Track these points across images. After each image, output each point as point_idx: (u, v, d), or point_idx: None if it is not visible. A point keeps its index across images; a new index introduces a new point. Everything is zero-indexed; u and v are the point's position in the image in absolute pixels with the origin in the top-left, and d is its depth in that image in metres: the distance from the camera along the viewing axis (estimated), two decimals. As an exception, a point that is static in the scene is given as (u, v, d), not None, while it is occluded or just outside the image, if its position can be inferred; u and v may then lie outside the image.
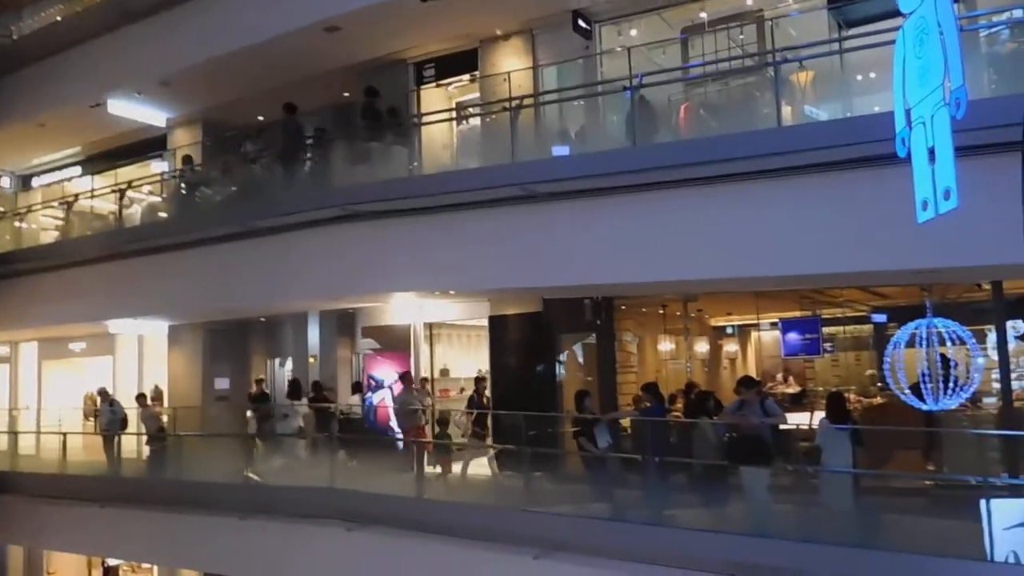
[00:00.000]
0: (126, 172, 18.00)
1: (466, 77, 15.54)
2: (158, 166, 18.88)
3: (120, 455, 15.38)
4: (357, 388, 15.60)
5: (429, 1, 12.59)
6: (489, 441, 12.30)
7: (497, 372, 14.40)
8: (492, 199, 10.92)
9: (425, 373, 15.92)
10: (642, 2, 13.39)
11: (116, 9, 16.45)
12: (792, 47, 10.33)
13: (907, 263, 8.43)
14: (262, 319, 18.22)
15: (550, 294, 13.37)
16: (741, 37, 13.03)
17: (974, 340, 9.34)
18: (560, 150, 11.14)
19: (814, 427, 9.88)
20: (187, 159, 16.27)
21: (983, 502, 7.20)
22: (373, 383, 15.83)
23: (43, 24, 18.26)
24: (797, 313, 14.94)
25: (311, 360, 17.53)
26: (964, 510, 7.55)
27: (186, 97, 17.14)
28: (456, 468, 12.65)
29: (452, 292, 13.40)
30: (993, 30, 8.86)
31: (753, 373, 16.92)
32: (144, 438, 15.57)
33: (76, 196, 17.52)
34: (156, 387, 18.30)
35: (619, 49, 13.33)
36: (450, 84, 15.85)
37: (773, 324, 16.64)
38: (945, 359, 9.41)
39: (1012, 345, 10.79)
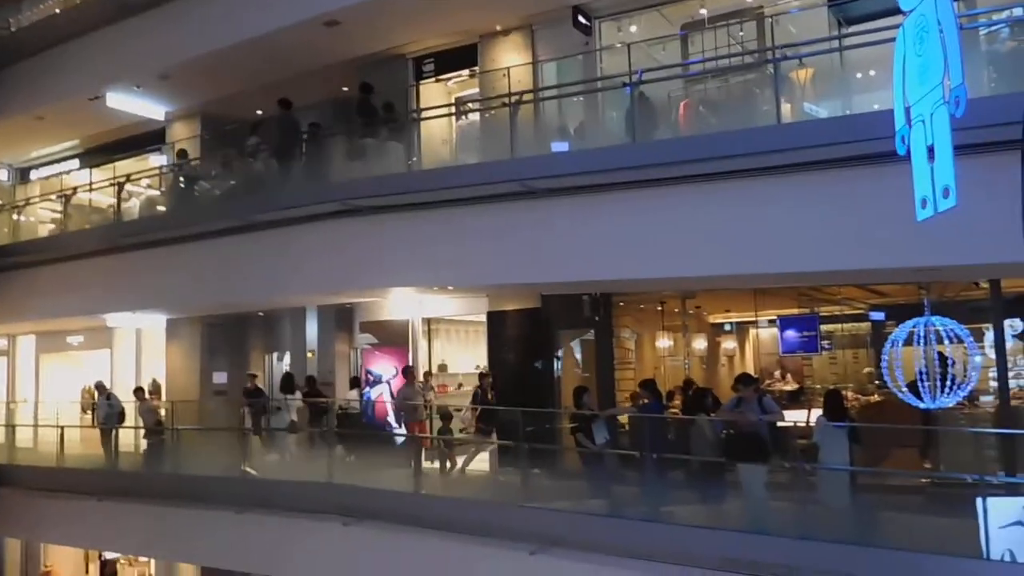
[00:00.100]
0: (124, 165, 17.98)
1: (465, 72, 15.53)
2: (157, 160, 18.86)
3: (117, 449, 15.37)
4: (355, 383, 15.60)
5: None
6: (494, 437, 12.25)
7: (495, 368, 14.40)
8: (491, 195, 10.92)
9: (433, 369, 15.92)
10: (642, -2, 13.40)
11: (115, 2, 16.40)
12: (792, 44, 10.32)
13: (906, 261, 8.44)
14: (260, 314, 18.21)
15: (549, 290, 13.37)
16: (741, 34, 13.02)
17: (972, 338, 9.36)
18: (559, 146, 11.13)
19: (811, 424, 9.89)
20: (182, 153, 16.24)
21: (979, 500, 7.22)
22: (371, 378, 15.83)
23: (42, 16, 18.20)
24: (795, 310, 14.95)
25: (309, 355, 17.53)
26: (960, 508, 7.57)
27: (185, 91, 17.11)
28: (459, 463, 12.63)
29: (451, 288, 13.41)
30: (993, 28, 8.85)
31: (751, 370, 16.93)
32: (141, 432, 15.55)
33: (74, 189, 17.49)
34: (154, 381, 18.30)
35: (619, 45, 13.32)
36: (449, 79, 15.83)
37: (771, 321, 16.65)
38: (943, 357, 9.42)
39: (1009, 344, 10.81)
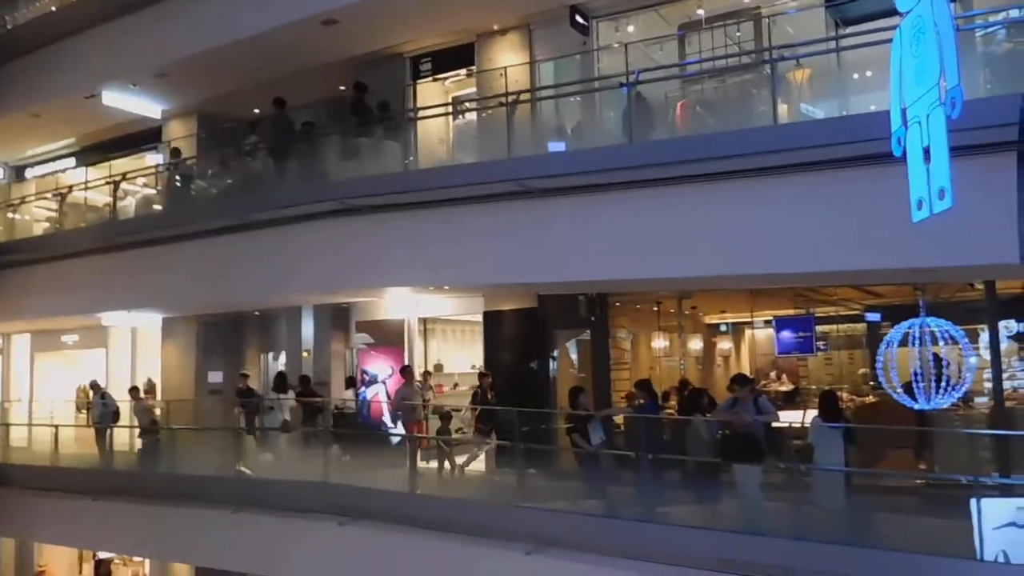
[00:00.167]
0: (121, 164, 17.93)
1: (463, 72, 15.52)
2: (153, 158, 18.82)
3: (112, 448, 15.33)
4: (351, 383, 15.58)
5: None
6: (493, 437, 12.22)
7: (491, 368, 14.39)
8: (488, 194, 10.91)
9: (426, 368, 15.91)
10: (639, -2, 13.40)
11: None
12: (789, 45, 10.33)
13: (902, 262, 8.44)
14: (256, 313, 18.18)
15: (545, 290, 13.37)
16: (738, 34, 13.02)
17: (967, 340, 9.37)
18: (556, 146, 11.13)
19: (807, 425, 9.90)
20: (175, 152, 16.22)
21: (974, 501, 7.22)
22: (367, 377, 15.81)
23: (38, 14, 18.14)
24: (791, 311, 14.95)
25: (305, 354, 17.51)
26: (955, 509, 7.58)
27: (182, 89, 17.08)
28: (458, 464, 12.60)
29: (447, 287, 13.39)
30: (989, 30, 8.86)
31: (747, 371, 16.95)
32: (136, 431, 15.52)
33: (70, 188, 17.45)
34: (149, 380, 18.26)
35: (616, 45, 13.32)
36: (447, 79, 15.82)
37: (767, 322, 16.67)
38: (937, 358, 9.44)
39: (1004, 345, 10.82)
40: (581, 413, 11.04)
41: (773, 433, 10.15)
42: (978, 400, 11.76)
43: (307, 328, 17.69)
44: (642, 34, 13.53)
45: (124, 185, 16.02)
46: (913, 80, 3.99)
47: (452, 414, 13.27)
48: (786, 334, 14.64)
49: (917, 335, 9.22)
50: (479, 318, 15.08)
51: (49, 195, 18.07)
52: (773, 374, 17.46)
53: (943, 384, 9.10)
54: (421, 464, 12.48)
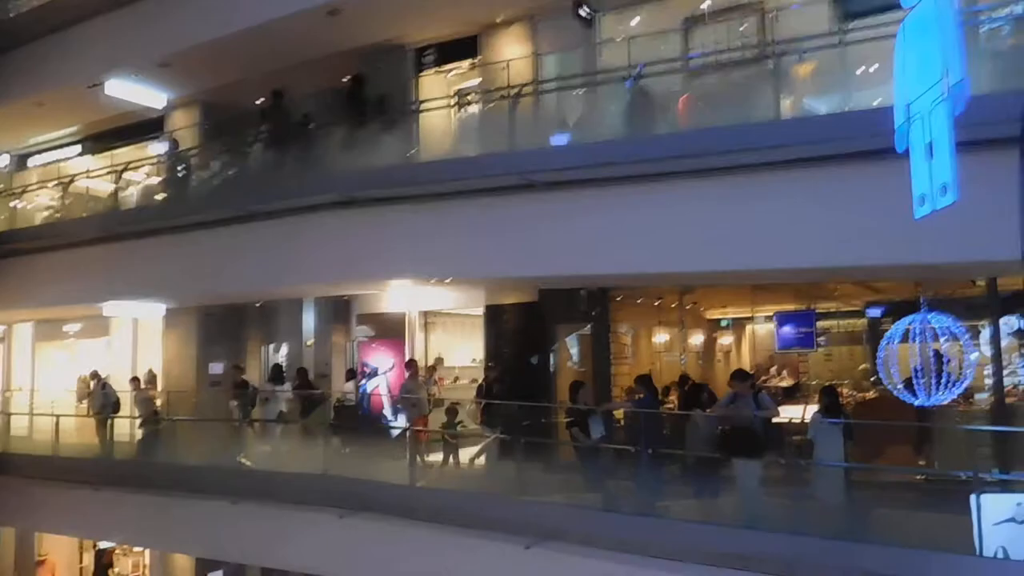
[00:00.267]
0: (124, 153, 17.91)
1: (466, 64, 15.48)
2: (156, 148, 18.79)
3: (113, 438, 15.36)
4: (351, 375, 15.59)
5: None
6: (498, 431, 12.21)
7: (491, 361, 14.41)
8: (490, 187, 10.90)
9: (430, 361, 15.91)
10: (643, -8, 13.37)
11: (115, -12, 16.37)
12: (792, 39, 10.29)
13: (904, 258, 8.43)
14: (257, 305, 18.19)
15: (546, 284, 13.36)
16: (742, 28, 12.98)
17: (968, 336, 9.38)
18: (559, 139, 11.12)
19: (807, 421, 9.91)
20: (173, 142, 16.22)
21: (973, 497, 7.23)
22: (367, 370, 15.83)
23: (42, 1, 18.10)
24: (792, 307, 14.96)
25: (308, 345, 17.52)
26: (955, 505, 7.58)
27: (185, 79, 17.03)
28: (464, 457, 12.61)
29: (448, 280, 13.39)
30: (994, 25, 8.83)
31: (747, 366, 16.96)
32: (137, 421, 15.55)
33: (73, 177, 17.44)
34: (150, 370, 18.27)
35: (619, 39, 13.28)
36: (450, 71, 15.79)
37: (768, 317, 16.67)
38: (938, 355, 9.44)
39: (1005, 341, 10.82)
40: (581, 407, 11.05)
41: (773, 428, 10.17)
42: (978, 396, 11.77)
43: (308, 320, 17.69)
44: (646, 27, 13.48)
45: (127, 175, 16.01)
46: (917, 75, 3.98)
47: (458, 408, 13.25)
48: (787, 329, 14.65)
49: (918, 331, 9.23)
50: (480, 311, 15.09)
51: (51, 184, 18.06)
52: (773, 369, 17.47)
53: (944, 380, 9.12)
54: (431, 458, 12.51)
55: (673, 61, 12.33)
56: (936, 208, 3.85)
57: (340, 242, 12.46)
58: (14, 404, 19.49)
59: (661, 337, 16.85)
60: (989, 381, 11.04)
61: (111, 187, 16.15)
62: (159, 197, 15.78)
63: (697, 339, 18.17)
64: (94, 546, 18.94)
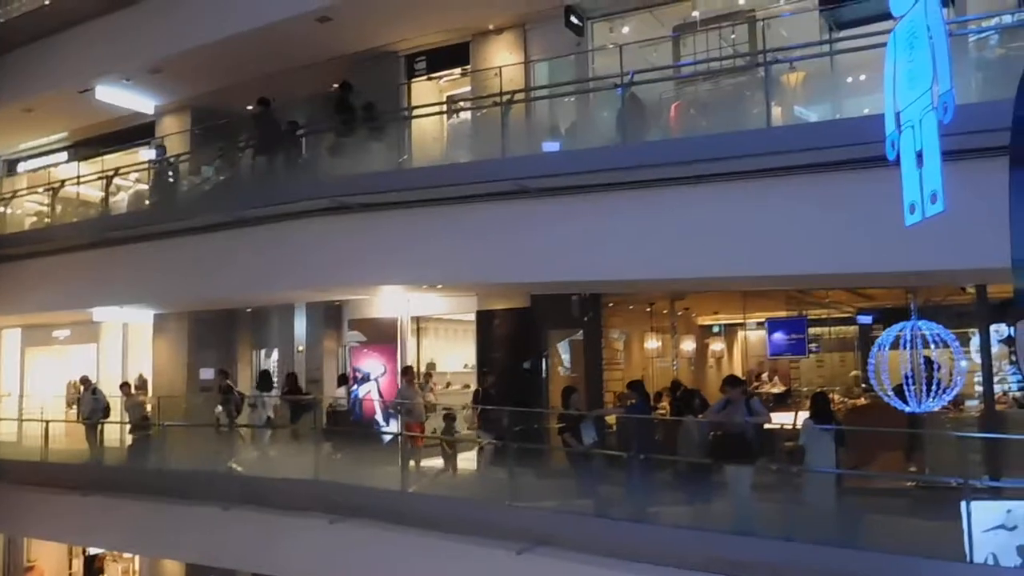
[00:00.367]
0: (113, 159, 17.86)
1: (457, 71, 15.50)
2: (146, 153, 18.73)
3: (103, 443, 15.28)
4: (343, 380, 15.55)
5: None
6: (492, 436, 12.18)
7: (484, 367, 14.40)
8: (482, 194, 10.92)
9: (422, 367, 15.87)
10: (634, -1, 13.41)
11: (105, -7, 16.33)
12: (783, 48, 10.35)
13: (893, 265, 8.48)
14: (248, 310, 18.14)
15: (538, 290, 13.37)
16: (733, 36, 13.04)
17: (958, 343, 9.41)
18: (550, 146, 11.14)
19: (798, 427, 9.93)
20: (161, 148, 16.19)
21: (964, 504, 7.25)
22: (359, 375, 15.79)
23: (32, 7, 18.04)
24: (783, 313, 15.01)
25: (299, 350, 17.47)
26: (945, 511, 7.61)
27: (175, 84, 17.01)
28: (462, 464, 12.58)
29: (440, 286, 13.39)
30: (982, 35, 8.91)
31: (739, 372, 16.99)
32: (127, 427, 15.47)
33: (62, 182, 17.37)
34: (140, 376, 18.19)
35: (611, 46, 13.33)
36: (441, 77, 15.80)
37: (760, 324, 16.71)
38: (929, 361, 9.48)
39: (995, 349, 10.87)
40: (573, 413, 11.04)
41: (764, 434, 10.17)
42: (969, 403, 11.83)
43: (299, 325, 17.65)
44: (637, 35, 13.53)
45: (116, 180, 15.96)
46: (907, 84, 4.01)
47: (456, 414, 13.22)
48: (778, 336, 14.69)
49: (908, 338, 9.25)
50: (472, 317, 15.08)
51: (41, 190, 17.99)
52: (765, 375, 17.50)
53: (934, 387, 9.14)
54: (424, 463, 12.47)
55: (664, 69, 12.37)
56: (926, 216, 3.88)
57: (331, 248, 12.45)
58: (3, 410, 19.35)
59: (653, 343, 16.87)
60: (979, 388, 11.08)
61: (101, 193, 16.08)
62: (149, 202, 15.71)
63: (689, 345, 18.19)
64: (83, 552, 18.82)
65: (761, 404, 10.73)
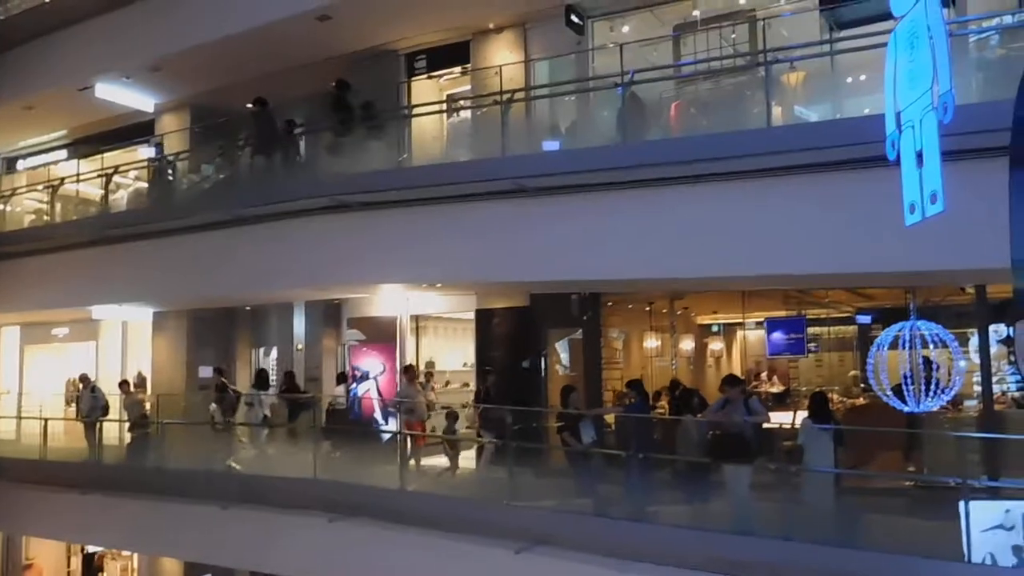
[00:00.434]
0: (113, 157, 17.86)
1: (457, 69, 15.50)
2: (146, 151, 18.74)
3: (101, 442, 15.28)
4: (342, 379, 15.56)
5: None
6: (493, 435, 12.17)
7: (482, 366, 14.40)
8: (482, 192, 10.92)
9: (421, 366, 15.86)
10: (635, -2, 13.41)
11: (106, -9, 16.31)
12: (784, 47, 10.35)
13: (893, 265, 8.48)
14: (248, 308, 18.14)
15: (538, 289, 13.38)
16: (733, 36, 13.04)
17: (957, 343, 9.43)
18: (550, 145, 11.14)
19: (797, 426, 9.94)
20: (159, 147, 16.19)
21: (962, 503, 7.26)
22: (358, 374, 15.79)
23: (32, 4, 18.02)
24: (782, 313, 15.01)
25: (298, 348, 17.47)
26: (943, 511, 7.61)
27: (175, 83, 17.01)
28: (463, 463, 12.58)
29: (439, 285, 13.39)
30: (983, 35, 8.91)
31: (738, 371, 16.99)
32: (126, 425, 15.47)
33: (62, 180, 17.37)
34: (139, 374, 18.20)
35: (611, 45, 13.33)
36: (441, 76, 15.80)
37: (759, 323, 16.71)
38: (928, 361, 9.49)
39: (994, 349, 10.88)
40: (572, 412, 11.05)
41: (763, 434, 10.18)
42: (967, 403, 11.83)
43: (299, 324, 17.64)
44: (637, 34, 13.53)
45: (116, 178, 15.95)
46: (907, 84, 4.01)
47: (458, 413, 13.22)
48: (777, 335, 14.69)
49: (907, 338, 9.26)
50: (471, 316, 15.08)
51: (40, 187, 17.98)
52: (764, 375, 17.50)
53: (933, 387, 9.15)
54: (424, 462, 12.47)
55: (665, 68, 12.37)
56: (926, 216, 3.88)
57: (331, 246, 12.44)
58: (2, 408, 19.33)
59: (652, 342, 16.87)
60: (978, 388, 11.09)
61: (100, 191, 16.07)
62: (148, 201, 15.71)
63: (688, 344, 18.20)
64: (82, 550, 18.82)
65: (760, 403, 10.74)
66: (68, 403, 18.34)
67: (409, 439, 12.52)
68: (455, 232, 11.31)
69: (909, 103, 4.00)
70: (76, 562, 19.16)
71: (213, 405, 15.10)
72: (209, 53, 15.30)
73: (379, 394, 15.10)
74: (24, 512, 15.52)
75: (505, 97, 11.43)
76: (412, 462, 12.43)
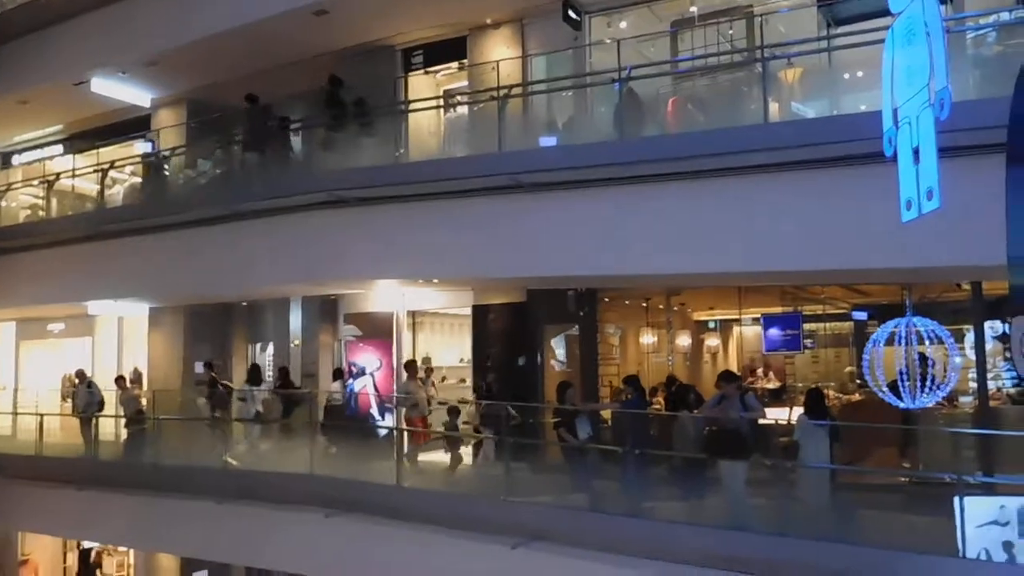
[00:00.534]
0: (109, 152, 17.81)
1: (454, 65, 15.47)
2: (142, 147, 18.68)
3: (98, 437, 15.26)
4: (338, 375, 15.55)
5: None
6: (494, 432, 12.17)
7: (479, 361, 14.40)
8: (478, 188, 10.91)
9: (423, 364, 15.86)
10: (632, -6, 13.40)
11: (102, -14, 16.26)
12: (781, 44, 10.34)
13: (890, 261, 8.50)
14: (244, 304, 18.12)
15: (534, 284, 13.38)
16: (731, 32, 13.04)
17: (952, 339, 9.44)
18: (547, 140, 11.13)
19: (793, 423, 9.95)
20: (151, 143, 16.17)
21: (957, 499, 7.28)
22: (354, 370, 15.79)
23: (27, -1, 17.99)
24: (779, 309, 15.00)
25: (295, 344, 17.46)
26: (938, 507, 7.63)
27: (172, 77, 16.96)
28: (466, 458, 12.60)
29: (436, 280, 13.38)
30: (980, 32, 8.91)
31: (734, 368, 17.00)
32: (122, 421, 15.45)
33: (57, 175, 17.33)
34: (136, 370, 18.17)
35: (608, 41, 13.31)
36: (438, 71, 15.77)
37: (755, 319, 16.72)
38: (923, 358, 9.50)
39: (989, 345, 10.90)
40: (568, 408, 11.05)
41: (759, 430, 10.19)
42: (963, 399, 11.85)
43: (295, 320, 17.63)
44: (634, 30, 13.51)
45: (112, 173, 15.91)
46: (904, 80, 4.02)
47: (460, 409, 13.22)
48: (774, 331, 14.69)
49: (903, 334, 9.27)
50: (468, 312, 15.07)
51: (36, 182, 17.93)
52: (760, 371, 17.51)
53: (928, 383, 9.16)
54: (423, 458, 12.47)
55: (662, 64, 12.37)
56: (922, 212, 3.88)
57: (328, 242, 12.43)
58: (-3, 403, 19.32)
59: (649, 338, 16.88)
60: (973, 384, 11.11)
61: (96, 186, 16.03)
62: (144, 196, 15.67)
63: (684, 340, 18.20)
64: (78, 546, 18.80)
65: (756, 400, 10.76)
66: (64, 399, 18.31)
67: (407, 435, 12.52)
68: (452, 228, 11.31)
69: (906, 99, 4.00)
70: (72, 558, 19.14)
71: (201, 399, 15.09)
72: (205, 48, 15.25)
73: (376, 390, 15.09)
74: (20, 508, 15.50)
75: (502, 93, 11.42)
76: (410, 457, 12.42)
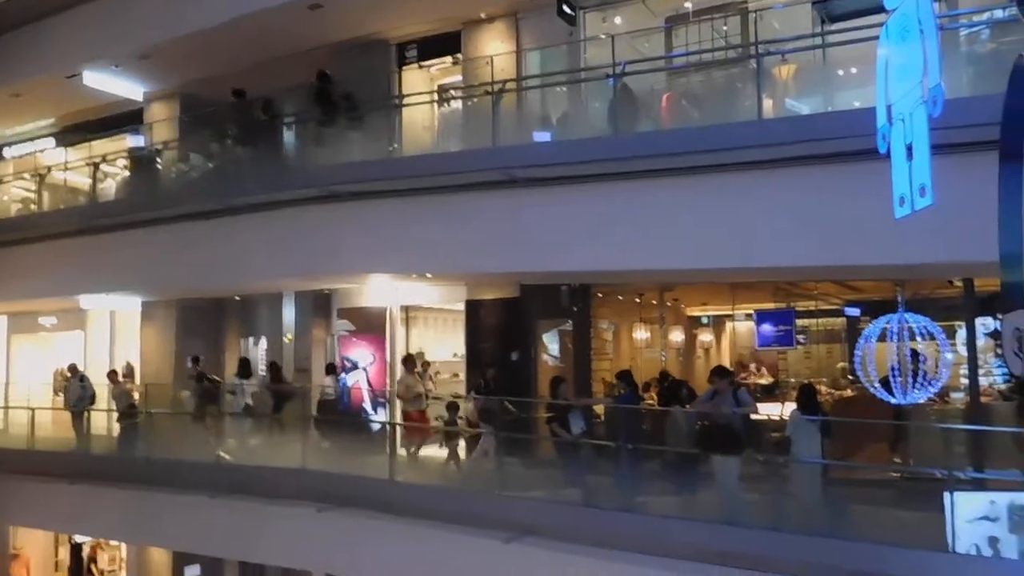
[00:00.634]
0: (101, 145, 17.74)
1: (449, 59, 15.45)
2: (134, 140, 18.61)
3: (89, 431, 15.22)
4: (331, 369, 15.53)
5: None
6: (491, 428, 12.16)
7: (472, 357, 14.40)
8: (472, 183, 10.90)
9: (421, 359, 15.84)
10: (627, -11, 13.39)
11: (95, -22, 16.18)
12: (775, 40, 10.35)
13: (883, 258, 8.52)
14: (237, 298, 18.08)
15: (528, 280, 13.38)
16: (725, 28, 13.04)
17: (944, 336, 9.49)
18: (541, 136, 11.12)
19: (785, 418, 9.99)
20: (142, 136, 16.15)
21: (948, 495, 7.32)
22: (348, 364, 15.77)
23: (19, -9, 17.87)
24: (771, 305, 15.05)
25: (287, 339, 17.43)
26: (929, 502, 7.67)
27: (165, 71, 16.88)
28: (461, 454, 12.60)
29: (429, 275, 13.37)
30: (974, 29, 8.93)
31: (727, 363, 17.06)
32: (114, 415, 15.41)
33: (49, 168, 17.25)
34: (128, 364, 18.12)
35: (603, 36, 13.30)
36: (432, 66, 15.74)
37: (748, 315, 16.77)
38: (915, 353, 9.55)
39: (981, 341, 10.95)
40: (561, 403, 11.06)
41: (751, 425, 10.22)
42: (954, 395, 11.91)
43: (288, 314, 17.60)
44: (629, 26, 13.50)
45: (104, 167, 15.85)
46: (898, 77, 4.03)
47: (459, 404, 13.20)
48: (766, 327, 14.74)
49: (895, 330, 9.33)
50: (461, 307, 15.07)
51: (27, 176, 17.85)
52: (753, 367, 17.57)
53: (920, 379, 9.22)
54: (421, 453, 12.48)
55: (656, 60, 12.36)
56: (915, 209, 3.90)
57: (321, 236, 12.41)
58: (-11, 397, 19.25)
59: (642, 333, 16.92)
60: (965, 380, 11.17)
61: (88, 179, 15.97)
62: (136, 190, 15.61)
63: (677, 336, 18.24)
64: (70, 540, 18.76)
65: (748, 395, 10.79)
66: (56, 393, 18.24)
67: (403, 430, 12.52)
68: (446, 222, 11.30)
69: (900, 96, 4.01)
70: (64, 552, 19.08)
71: (186, 393, 15.06)
72: (199, 42, 15.18)
73: (369, 384, 15.07)
74: (11, 502, 15.46)
75: (496, 87, 11.40)
76: (411, 452, 12.43)
